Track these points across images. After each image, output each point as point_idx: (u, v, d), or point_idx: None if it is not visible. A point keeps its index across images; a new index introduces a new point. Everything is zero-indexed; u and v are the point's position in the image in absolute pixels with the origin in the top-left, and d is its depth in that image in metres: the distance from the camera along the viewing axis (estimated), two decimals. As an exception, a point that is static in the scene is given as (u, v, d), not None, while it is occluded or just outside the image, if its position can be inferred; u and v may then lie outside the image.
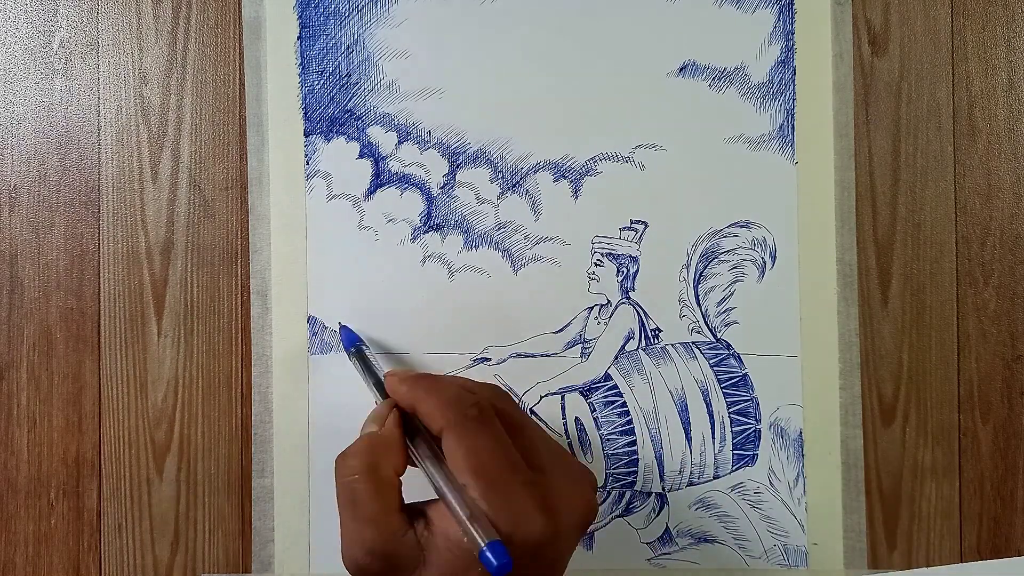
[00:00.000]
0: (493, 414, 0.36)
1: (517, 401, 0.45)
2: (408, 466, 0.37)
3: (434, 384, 0.37)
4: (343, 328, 0.45)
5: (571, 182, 0.46)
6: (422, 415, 0.36)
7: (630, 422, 0.46)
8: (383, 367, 0.43)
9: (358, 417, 0.45)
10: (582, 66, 0.46)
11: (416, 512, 0.35)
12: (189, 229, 0.47)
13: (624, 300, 0.46)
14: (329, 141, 0.46)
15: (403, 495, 0.35)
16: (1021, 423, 0.47)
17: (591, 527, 0.46)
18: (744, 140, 0.46)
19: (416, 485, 0.36)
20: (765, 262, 0.46)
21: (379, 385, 0.40)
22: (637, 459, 0.46)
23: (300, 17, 0.46)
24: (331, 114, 0.46)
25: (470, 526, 0.32)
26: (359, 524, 0.34)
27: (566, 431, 0.46)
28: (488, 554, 0.31)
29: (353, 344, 0.43)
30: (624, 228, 0.46)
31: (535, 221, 0.46)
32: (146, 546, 0.46)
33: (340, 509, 0.35)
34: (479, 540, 0.31)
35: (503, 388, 0.39)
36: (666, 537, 0.46)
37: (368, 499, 0.34)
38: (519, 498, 0.33)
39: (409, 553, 0.33)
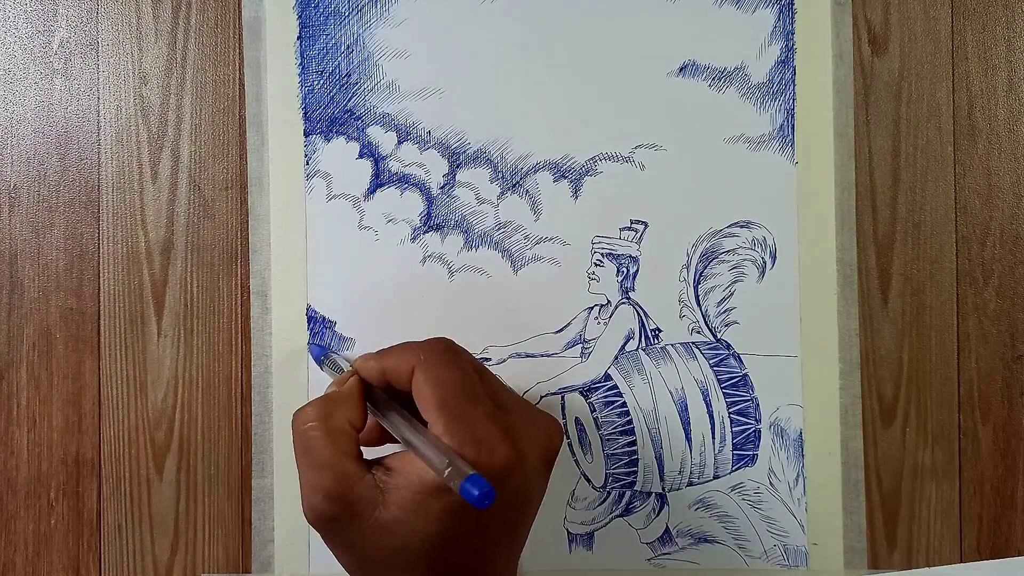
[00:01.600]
0: (460, 353, 0.37)
1: None
2: (377, 442, 0.38)
3: (396, 347, 0.39)
4: (311, 346, 0.45)
5: (571, 182, 0.46)
6: (391, 370, 0.37)
7: (630, 422, 0.46)
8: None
9: (358, 417, 0.45)
10: (582, 66, 0.46)
11: (375, 463, 0.36)
12: (189, 229, 0.47)
13: (624, 300, 0.46)
14: (329, 141, 0.46)
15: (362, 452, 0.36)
16: (1021, 423, 0.47)
17: (591, 528, 0.46)
18: (744, 140, 0.46)
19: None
20: (765, 262, 0.46)
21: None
22: (637, 459, 0.46)
23: (300, 17, 0.46)
24: (331, 114, 0.46)
25: (445, 459, 0.33)
26: (314, 471, 0.35)
27: (566, 431, 0.46)
28: (468, 486, 0.31)
29: (323, 354, 0.44)
30: (624, 228, 0.46)
31: (535, 221, 0.46)
32: (146, 546, 0.46)
33: (297, 459, 0.36)
34: (456, 478, 0.32)
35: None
36: (666, 537, 0.46)
37: (322, 445, 0.35)
38: (481, 426, 0.34)
39: (367, 495, 0.34)
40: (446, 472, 0.32)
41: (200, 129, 0.47)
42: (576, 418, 0.46)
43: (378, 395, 0.38)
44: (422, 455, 0.34)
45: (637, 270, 0.46)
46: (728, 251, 0.46)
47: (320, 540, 0.45)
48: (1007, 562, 0.45)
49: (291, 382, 0.46)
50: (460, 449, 0.33)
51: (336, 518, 0.34)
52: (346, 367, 0.43)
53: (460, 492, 0.32)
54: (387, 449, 0.38)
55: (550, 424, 0.38)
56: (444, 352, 0.37)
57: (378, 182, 0.46)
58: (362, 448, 0.37)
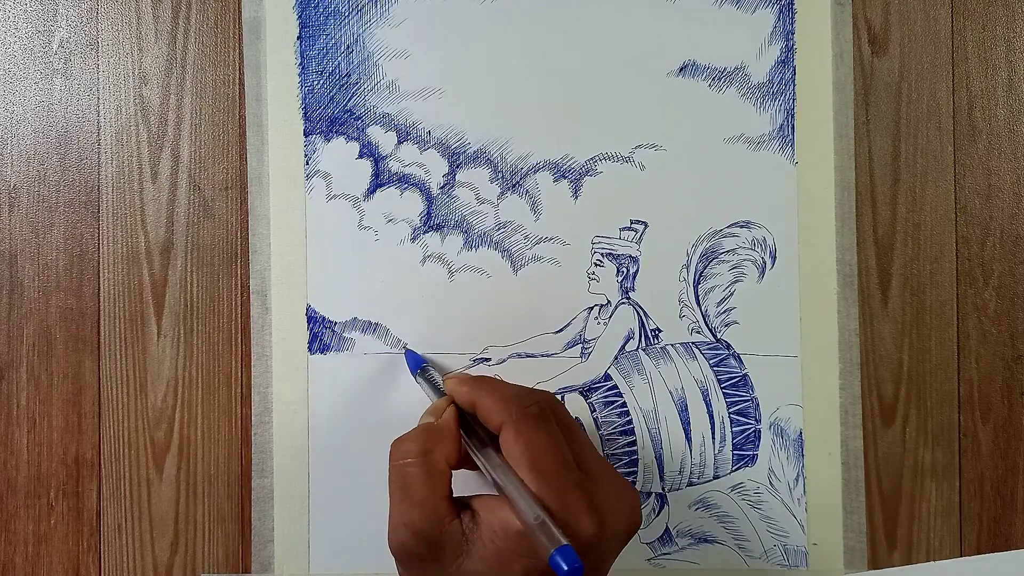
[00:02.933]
0: (551, 415, 0.37)
1: None
2: (461, 467, 0.38)
3: (494, 383, 0.39)
4: (408, 352, 0.45)
5: (571, 182, 0.46)
6: (481, 411, 0.37)
7: (630, 422, 0.46)
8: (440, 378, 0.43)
9: (358, 417, 0.45)
10: (582, 66, 0.46)
11: (462, 504, 0.35)
12: (189, 229, 0.47)
13: (624, 300, 0.46)
14: (329, 141, 0.46)
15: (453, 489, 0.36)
16: (1021, 423, 0.47)
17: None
18: (744, 140, 0.46)
19: (464, 484, 0.37)
20: (765, 262, 0.46)
21: (441, 394, 0.41)
22: (637, 459, 0.46)
23: (300, 17, 0.46)
24: (331, 114, 0.46)
25: (538, 514, 0.32)
26: (408, 506, 0.35)
27: (566, 431, 0.46)
28: (558, 558, 0.31)
29: (419, 366, 0.44)
30: (624, 228, 0.46)
31: (535, 221, 0.46)
32: (146, 546, 0.46)
33: (391, 491, 0.35)
34: (547, 544, 0.32)
35: (556, 396, 0.40)
36: (666, 537, 0.46)
37: (419, 483, 0.35)
38: (571, 495, 0.34)
39: (453, 541, 0.34)
40: (537, 532, 0.32)
41: (200, 129, 0.47)
42: (576, 418, 0.46)
43: (473, 428, 0.38)
44: (514, 503, 0.33)
45: (637, 270, 0.46)
46: (728, 251, 0.46)
47: (320, 540, 0.45)
48: (1006, 555, 0.45)
49: (291, 382, 0.46)
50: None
51: (422, 557, 0.34)
52: (439, 381, 0.42)
53: (549, 561, 0.31)
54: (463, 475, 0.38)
55: (633, 497, 0.37)
56: (536, 415, 0.36)
57: (378, 182, 0.46)
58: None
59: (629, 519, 0.36)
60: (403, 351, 0.45)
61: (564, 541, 0.31)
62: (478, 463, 0.36)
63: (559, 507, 0.33)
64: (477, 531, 0.34)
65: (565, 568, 0.31)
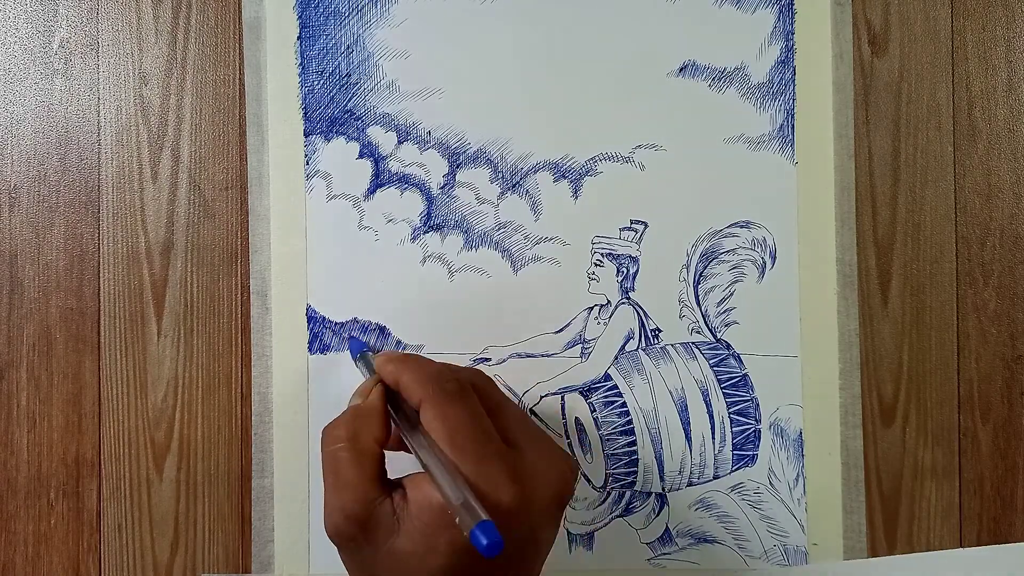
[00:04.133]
0: (471, 390, 0.37)
1: (517, 400, 0.45)
2: (394, 447, 0.38)
3: (417, 361, 0.39)
4: (352, 338, 0.45)
5: (571, 182, 0.46)
6: (404, 389, 0.37)
7: (630, 422, 0.46)
8: None
9: (358, 417, 0.45)
10: (582, 66, 0.46)
11: (395, 485, 0.36)
12: (189, 229, 0.47)
13: (624, 300, 0.46)
14: (329, 141, 0.46)
15: (386, 470, 0.36)
16: (1021, 423, 0.47)
17: (591, 528, 0.46)
18: (744, 140, 0.46)
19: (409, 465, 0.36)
20: (765, 262, 0.46)
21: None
22: (637, 459, 0.46)
23: (300, 17, 0.46)
24: (331, 114, 0.46)
25: (460, 493, 0.33)
26: (339, 491, 0.35)
27: (566, 431, 0.46)
28: (478, 533, 0.31)
29: (359, 351, 0.44)
30: (624, 228, 0.46)
31: (535, 221, 0.46)
32: (146, 546, 0.46)
33: (324, 477, 0.36)
34: (468, 520, 0.32)
35: (485, 373, 0.40)
36: (666, 537, 0.46)
37: (348, 466, 0.35)
38: (490, 466, 0.34)
39: (385, 521, 0.34)
40: (459, 509, 0.32)
41: (200, 129, 0.47)
42: (576, 418, 0.46)
43: (402, 406, 0.38)
44: (437, 483, 0.34)
45: (637, 270, 0.46)
46: (728, 251, 0.46)
47: (320, 540, 0.45)
48: (1004, 548, 0.45)
49: (291, 382, 0.46)
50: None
51: (355, 539, 0.35)
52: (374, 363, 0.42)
53: (469, 537, 0.31)
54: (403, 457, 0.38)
55: (564, 465, 0.37)
56: (454, 391, 0.36)
57: (378, 182, 0.46)
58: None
59: (557, 487, 0.36)
60: (348, 338, 0.45)
61: (484, 516, 0.32)
62: (406, 442, 0.37)
63: (477, 478, 0.33)
64: (406, 509, 0.34)
65: (484, 543, 0.31)
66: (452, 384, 0.37)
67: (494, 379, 0.40)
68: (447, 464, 0.34)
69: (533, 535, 0.36)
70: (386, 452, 0.37)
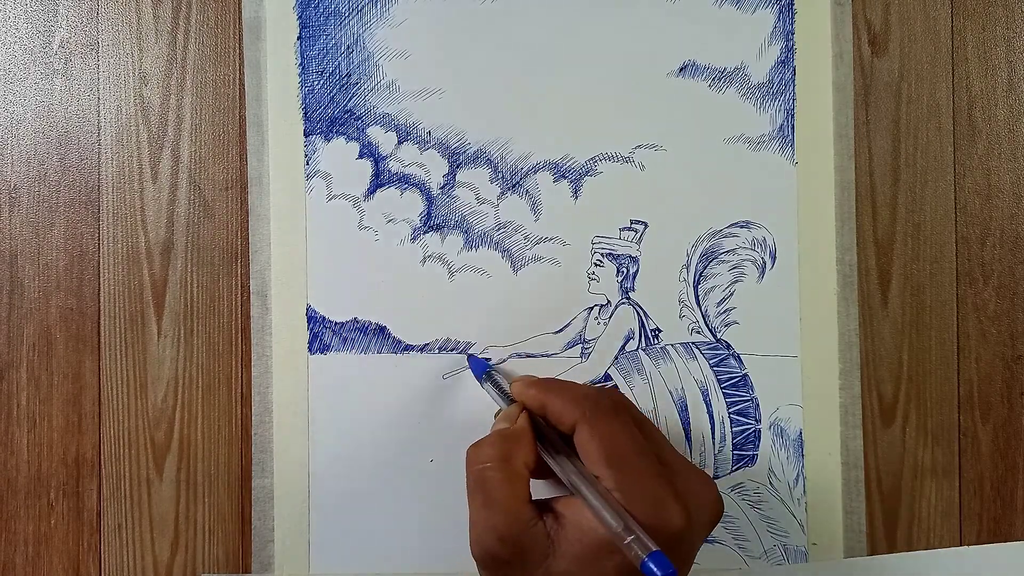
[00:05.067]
0: (624, 408, 0.37)
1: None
2: (538, 475, 0.37)
3: (562, 384, 0.39)
4: (471, 358, 0.45)
5: (571, 182, 0.46)
6: (553, 412, 0.37)
7: (630, 422, 0.46)
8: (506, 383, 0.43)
9: (358, 417, 0.45)
10: (582, 66, 0.46)
11: (543, 506, 0.35)
12: (189, 229, 0.47)
13: (624, 300, 0.46)
14: (329, 141, 0.46)
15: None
16: (1021, 423, 0.47)
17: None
18: (744, 140, 0.46)
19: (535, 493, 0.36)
20: (765, 262, 0.46)
21: (509, 400, 0.41)
22: (637, 459, 0.46)
23: (300, 17, 0.46)
24: (331, 114, 0.46)
25: (621, 522, 0.32)
26: (490, 511, 0.34)
27: (566, 431, 0.46)
28: (651, 565, 0.31)
29: (483, 371, 0.44)
30: (624, 228, 0.46)
31: (535, 221, 0.46)
32: (146, 546, 0.46)
33: (470, 497, 0.35)
34: (638, 551, 0.31)
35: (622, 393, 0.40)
36: (666, 537, 0.46)
37: (500, 487, 0.35)
38: (655, 487, 0.33)
39: (539, 543, 0.34)
40: (626, 540, 0.32)
41: (200, 129, 0.47)
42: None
43: (547, 433, 0.37)
44: (597, 513, 0.33)
45: (637, 270, 0.46)
46: (728, 251, 0.46)
47: (320, 540, 0.45)
48: (1004, 546, 0.45)
49: (291, 382, 0.46)
50: (632, 508, 0.33)
51: (507, 562, 0.34)
52: (505, 386, 0.42)
53: (641, 567, 0.31)
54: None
55: (713, 488, 0.36)
56: (609, 409, 0.36)
57: (378, 182, 0.46)
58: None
59: (713, 509, 0.36)
60: (468, 358, 0.45)
61: (653, 547, 0.31)
62: (555, 469, 0.36)
63: (644, 499, 0.33)
64: (562, 532, 0.34)
65: (659, 574, 0.30)
66: (607, 402, 0.36)
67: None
68: (605, 493, 0.33)
69: (692, 556, 0.35)
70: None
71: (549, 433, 0.37)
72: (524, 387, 0.39)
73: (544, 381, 0.39)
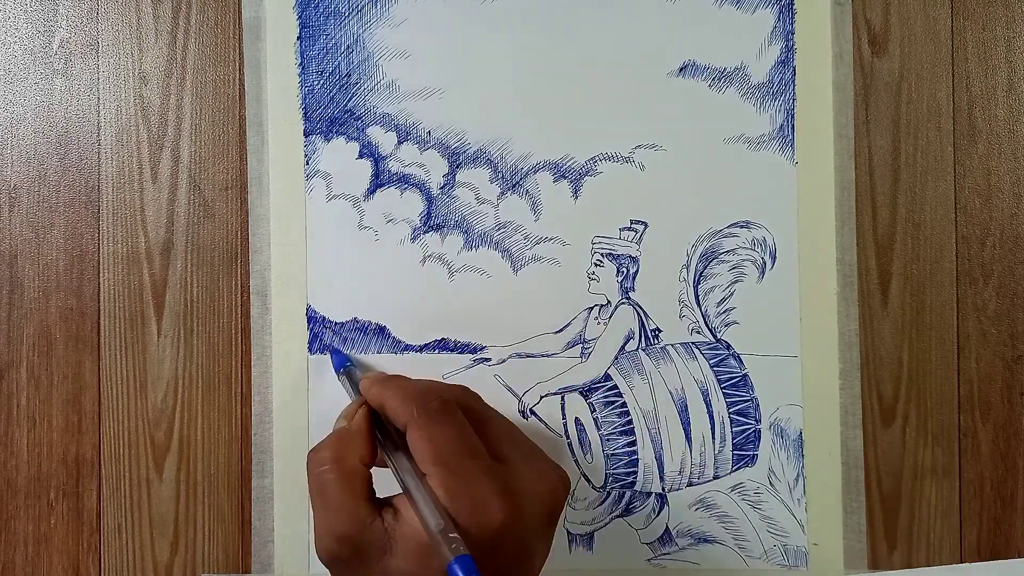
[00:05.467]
0: (455, 407, 0.37)
1: (517, 400, 0.45)
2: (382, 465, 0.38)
3: (400, 382, 0.39)
4: (334, 351, 0.45)
5: (571, 182, 0.46)
6: (389, 411, 0.37)
7: (630, 422, 0.46)
8: None
9: (358, 417, 0.45)
10: (582, 66, 0.46)
11: (385, 503, 0.36)
12: (189, 229, 0.47)
13: (624, 300, 0.46)
14: (329, 141, 0.46)
15: (375, 490, 0.36)
16: (1021, 423, 0.47)
17: (591, 528, 0.46)
18: (744, 140, 0.46)
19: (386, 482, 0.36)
20: (765, 262, 0.46)
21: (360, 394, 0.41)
22: (637, 459, 0.46)
23: (300, 17, 0.46)
24: (331, 114, 0.46)
25: (437, 536, 0.32)
26: (327, 512, 0.35)
27: (566, 431, 0.46)
28: (456, 568, 0.31)
29: (342, 366, 0.44)
30: (624, 228, 0.46)
31: (535, 221, 0.46)
32: (146, 546, 0.46)
33: (312, 500, 0.36)
34: (447, 553, 0.32)
35: (471, 388, 0.40)
36: (666, 537, 0.46)
37: (336, 488, 0.35)
38: (478, 484, 0.34)
39: (377, 541, 0.34)
40: (438, 539, 0.32)
41: (200, 129, 0.47)
42: (576, 418, 0.46)
43: (386, 428, 0.38)
44: (419, 512, 0.34)
45: (637, 270, 0.46)
46: (728, 251, 0.46)
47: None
48: (1007, 563, 0.45)
49: (291, 382, 0.46)
50: (454, 507, 0.33)
51: (347, 561, 0.35)
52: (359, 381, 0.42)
53: (447, 569, 0.31)
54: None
55: (554, 478, 0.37)
56: (438, 410, 0.36)
57: (378, 182, 0.46)
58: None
59: (548, 501, 0.36)
60: (330, 351, 0.45)
61: (463, 551, 0.31)
62: (389, 467, 0.37)
63: (465, 496, 0.33)
64: (399, 528, 0.34)
65: None
66: (436, 403, 0.36)
67: (480, 394, 0.40)
68: (427, 490, 0.34)
69: (525, 550, 0.35)
70: (376, 471, 0.37)
71: (392, 429, 0.38)
72: (368, 384, 0.39)
73: (384, 380, 0.39)
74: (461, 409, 0.37)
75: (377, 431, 0.38)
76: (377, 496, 0.36)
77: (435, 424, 0.35)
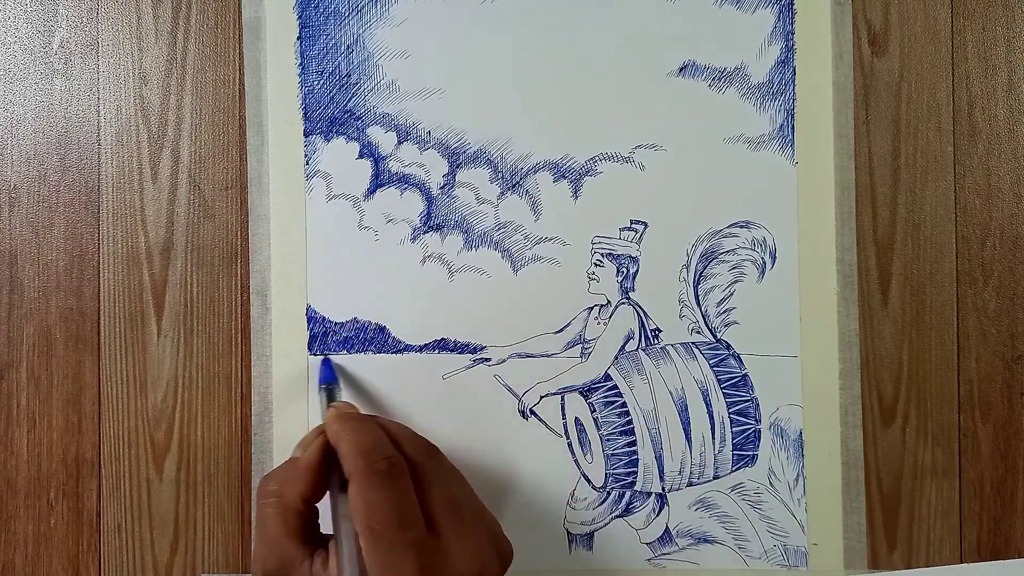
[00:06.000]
0: (404, 470, 0.36)
1: (515, 400, 0.45)
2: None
3: (358, 428, 0.37)
4: (324, 363, 0.45)
5: (571, 182, 0.46)
6: (341, 457, 0.37)
7: (630, 422, 0.46)
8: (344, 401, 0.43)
9: (358, 417, 0.45)
10: (582, 66, 0.46)
11: (321, 545, 0.36)
12: (189, 229, 0.47)
13: (624, 300, 0.46)
14: (329, 141, 0.46)
15: (319, 524, 0.36)
16: (1021, 423, 0.47)
17: (591, 528, 0.46)
18: (744, 140, 0.46)
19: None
20: (765, 262, 0.46)
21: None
22: (637, 459, 0.46)
23: (300, 17, 0.46)
24: (331, 114, 0.46)
25: None
26: (263, 545, 0.36)
27: (566, 431, 0.46)
28: None
29: (326, 381, 0.43)
30: (624, 228, 0.46)
31: (535, 221, 0.46)
32: (146, 546, 0.46)
33: (254, 527, 0.36)
34: None
35: (434, 444, 0.39)
36: (666, 537, 0.46)
37: (273, 523, 0.36)
38: (398, 559, 0.34)
39: None
40: None
41: (200, 129, 0.47)
42: (576, 418, 0.46)
43: (336, 475, 0.37)
44: (340, 566, 0.34)
45: (637, 270, 0.46)
46: (728, 251, 0.46)
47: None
48: (1007, 564, 0.45)
49: (291, 382, 0.46)
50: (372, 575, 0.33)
51: None
52: (338, 400, 0.42)
53: None
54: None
55: (489, 556, 0.36)
56: (384, 472, 0.35)
57: (378, 182, 0.46)
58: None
59: (479, 574, 0.35)
60: (321, 361, 0.45)
61: None
62: (331, 508, 0.36)
63: (383, 568, 0.33)
64: (325, 574, 0.35)
65: None
66: (383, 464, 0.36)
67: (441, 450, 0.39)
68: (355, 548, 0.34)
69: None
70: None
71: (338, 472, 0.37)
72: (331, 420, 0.38)
73: (346, 420, 0.38)
74: (414, 467, 0.37)
75: (329, 467, 0.37)
76: (321, 532, 0.36)
77: (374, 487, 0.35)
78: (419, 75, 0.46)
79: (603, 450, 0.46)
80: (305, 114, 0.46)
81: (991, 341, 0.47)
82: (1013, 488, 0.46)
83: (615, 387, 0.46)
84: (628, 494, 0.46)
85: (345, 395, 0.45)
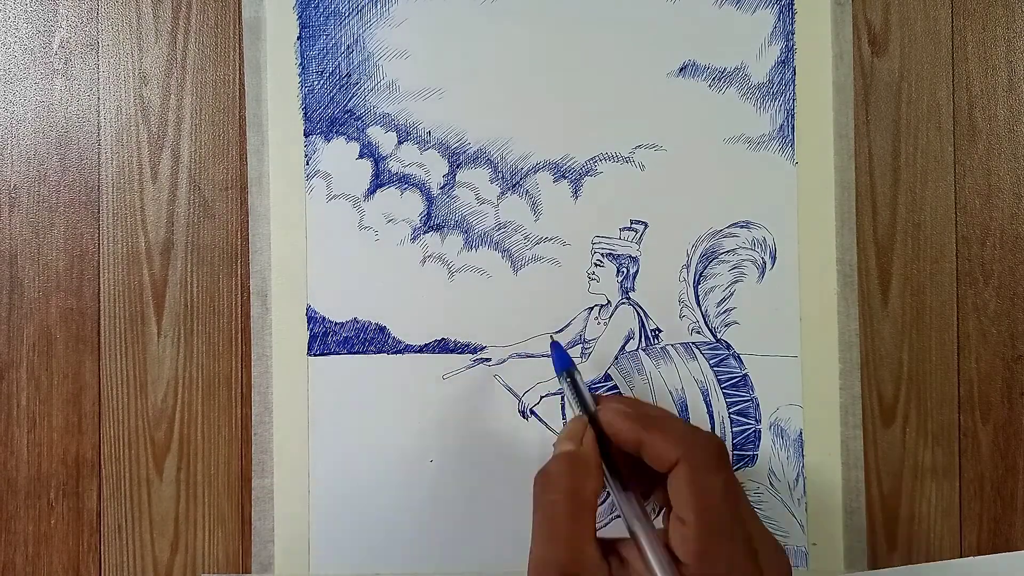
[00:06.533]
0: (728, 461, 0.35)
1: (515, 400, 0.45)
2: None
3: (660, 419, 0.36)
4: (555, 346, 0.43)
5: (571, 182, 0.46)
6: (650, 447, 0.34)
7: (630, 422, 0.46)
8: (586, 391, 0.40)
9: (358, 417, 0.45)
10: (582, 66, 0.46)
11: (608, 547, 0.34)
12: (189, 229, 0.47)
13: (624, 300, 0.46)
14: (329, 141, 0.46)
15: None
16: (1021, 423, 0.47)
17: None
18: (744, 140, 0.46)
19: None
20: (765, 262, 0.46)
21: (587, 411, 0.38)
22: (637, 459, 0.46)
23: (300, 17, 0.46)
24: (331, 114, 0.46)
25: None
26: (556, 545, 0.33)
27: (566, 431, 0.46)
28: None
29: (565, 368, 0.41)
30: (624, 228, 0.46)
31: (535, 221, 0.46)
32: (146, 546, 0.46)
33: (535, 526, 0.34)
34: None
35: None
36: (666, 537, 0.46)
37: (567, 522, 0.33)
38: (739, 549, 0.32)
39: None
40: None
41: (200, 129, 0.47)
42: None
43: (615, 462, 0.35)
44: (649, 568, 0.32)
45: (637, 270, 0.46)
46: (728, 251, 0.46)
47: (320, 540, 0.45)
48: (1008, 556, 0.45)
49: (291, 382, 0.46)
50: (702, 567, 0.31)
51: None
52: (586, 395, 0.39)
53: None
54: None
55: (786, 562, 0.34)
56: (716, 456, 0.34)
57: (378, 182, 0.46)
58: None
59: None
60: (550, 344, 0.43)
61: None
62: (619, 507, 0.34)
63: (725, 559, 0.31)
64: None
65: None
66: (715, 447, 0.34)
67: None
68: (658, 543, 0.32)
69: None
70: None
71: (615, 462, 0.35)
72: (617, 418, 0.36)
73: (641, 415, 0.36)
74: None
75: (605, 466, 0.35)
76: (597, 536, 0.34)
77: (712, 472, 0.33)
78: (419, 75, 0.46)
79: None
80: (305, 114, 0.46)
81: (991, 341, 0.47)
82: (1013, 488, 0.46)
83: (615, 387, 0.46)
84: (628, 494, 0.46)
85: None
